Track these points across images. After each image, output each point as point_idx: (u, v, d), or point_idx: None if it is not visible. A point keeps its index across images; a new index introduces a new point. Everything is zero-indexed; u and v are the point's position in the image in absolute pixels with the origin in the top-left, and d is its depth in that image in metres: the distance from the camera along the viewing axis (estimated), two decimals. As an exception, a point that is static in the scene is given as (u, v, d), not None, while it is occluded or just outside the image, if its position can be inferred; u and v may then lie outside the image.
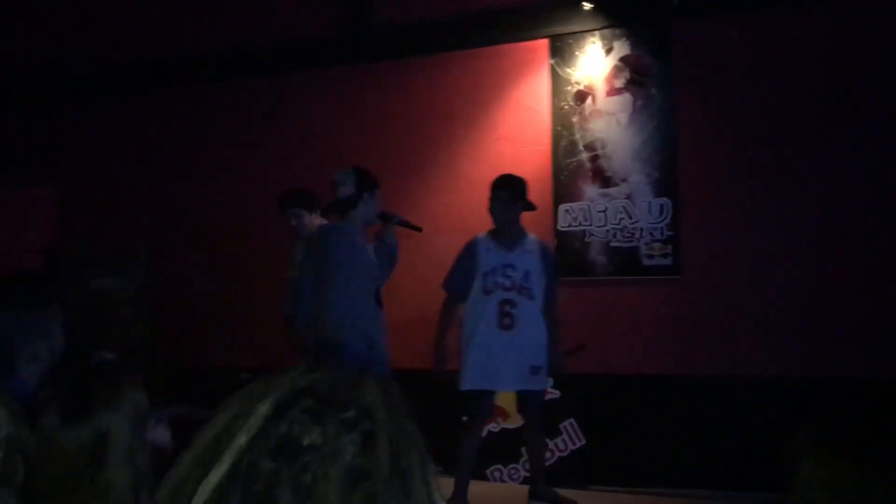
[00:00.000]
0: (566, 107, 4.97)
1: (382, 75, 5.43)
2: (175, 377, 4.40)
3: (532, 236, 4.33)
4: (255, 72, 5.83)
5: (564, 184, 4.96)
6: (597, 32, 4.91)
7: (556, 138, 4.99)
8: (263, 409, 0.69)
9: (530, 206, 4.28)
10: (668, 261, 4.72)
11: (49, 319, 2.08)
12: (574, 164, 4.95)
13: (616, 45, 4.87)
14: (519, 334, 4.15)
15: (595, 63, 4.91)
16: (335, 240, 3.75)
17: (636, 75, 4.83)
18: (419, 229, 4.14)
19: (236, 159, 5.81)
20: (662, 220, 4.75)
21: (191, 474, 0.69)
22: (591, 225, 4.89)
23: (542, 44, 5.03)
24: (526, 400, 4.27)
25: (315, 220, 4.48)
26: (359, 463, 0.68)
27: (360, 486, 0.68)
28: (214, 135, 5.90)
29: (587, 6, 4.80)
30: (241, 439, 0.68)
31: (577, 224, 4.92)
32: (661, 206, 4.76)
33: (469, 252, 4.29)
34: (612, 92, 4.88)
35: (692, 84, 4.72)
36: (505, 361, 4.13)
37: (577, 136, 4.95)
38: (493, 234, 4.27)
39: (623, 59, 4.86)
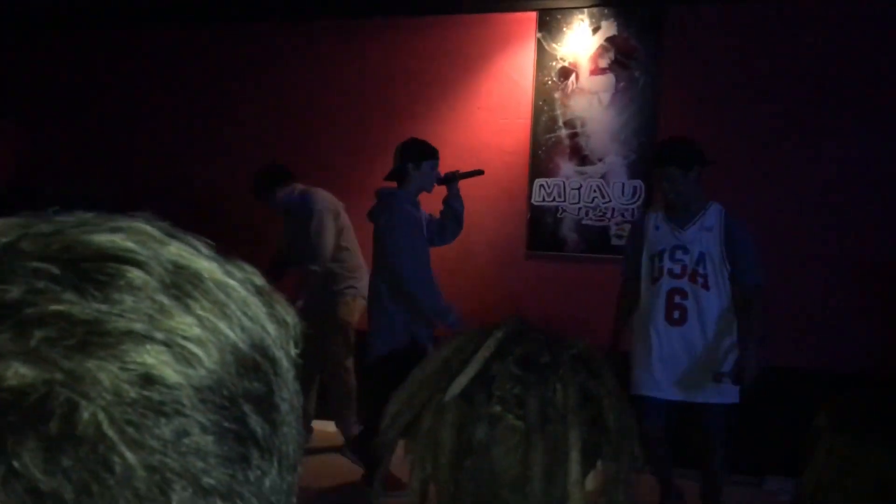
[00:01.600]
0: (549, 82, 5.00)
1: (368, 32, 5.39)
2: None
3: (715, 207, 3.60)
4: (237, 18, 5.73)
5: (541, 158, 5.00)
6: (586, 10, 4.93)
7: (537, 113, 5.02)
8: (499, 334, 0.81)
9: (706, 164, 3.57)
10: (631, 235, 4.79)
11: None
12: (552, 139, 4.99)
13: (604, 24, 4.90)
14: (691, 331, 3.51)
15: (581, 41, 4.93)
16: (379, 210, 4.04)
17: (621, 56, 4.88)
18: (481, 172, 4.14)
19: (213, 106, 5.73)
20: (634, 202, 4.83)
21: (423, 388, 0.80)
22: (564, 201, 4.95)
23: (531, 16, 5.04)
24: (702, 415, 3.54)
25: (286, 189, 4.81)
26: (589, 385, 0.83)
27: (588, 405, 0.81)
28: (191, 78, 5.80)
29: (579, -18, 4.81)
30: (485, 352, 0.79)
31: (550, 199, 4.98)
32: (635, 187, 4.84)
33: (635, 230, 3.87)
34: (596, 71, 4.92)
35: (677, 70, 4.78)
36: (672, 365, 3.51)
37: (558, 112, 4.99)
38: (667, 208, 3.65)
39: (610, 40, 4.89)
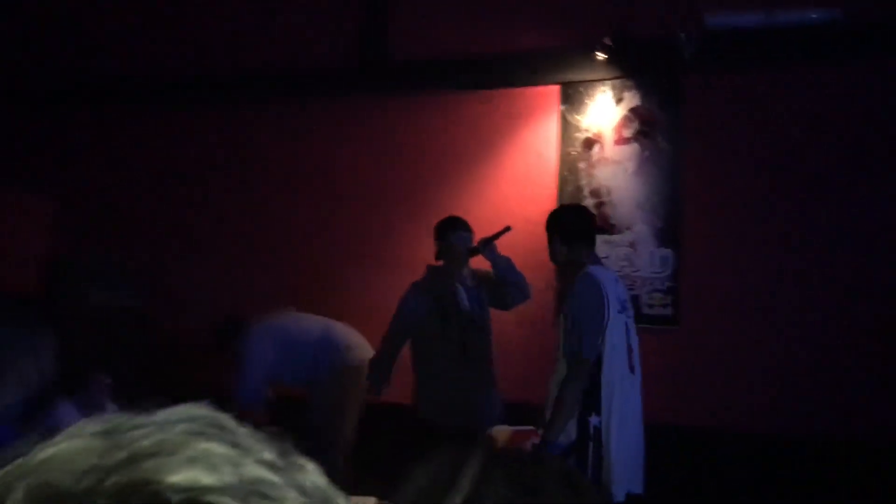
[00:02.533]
0: (574, 153, 5.05)
1: (394, 109, 5.50)
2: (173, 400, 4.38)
3: (580, 274, 3.54)
4: (267, 97, 5.89)
5: (568, 228, 5.00)
6: (608, 82, 4.99)
7: (563, 183, 5.05)
8: (479, 454, 0.79)
9: (571, 237, 3.59)
10: (668, 311, 4.76)
11: (41, 341, 1.97)
12: (579, 209, 5.00)
13: (626, 95, 4.96)
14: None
15: (605, 112, 4.99)
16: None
17: (645, 126, 4.92)
18: (508, 228, 4.14)
19: (245, 180, 5.85)
20: (664, 271, 4.80)
21: None
22: (593, 270, 4.93)
23: (554, 90, 5.12)
24: None
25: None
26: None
27: None
28: (225, 155, 5.93)
29: (600, 57, 4.88)
30: (470, 472, 0.77)
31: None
32: (664, 256, 4.81)
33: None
34: (621, 141, 4.95)
35: (700, 138, 4.80)
36: None
37: (583, 182, 5.01)
38: None
39: (633, 110, 4.94)
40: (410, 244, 5.31)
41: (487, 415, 4.01)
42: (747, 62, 4.75)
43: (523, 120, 5.21)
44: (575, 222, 3.64)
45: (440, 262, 4.22)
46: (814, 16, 4.53)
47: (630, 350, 3.44)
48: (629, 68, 4.93)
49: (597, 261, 3.64)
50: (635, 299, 4.83)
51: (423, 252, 5.20)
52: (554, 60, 5.09)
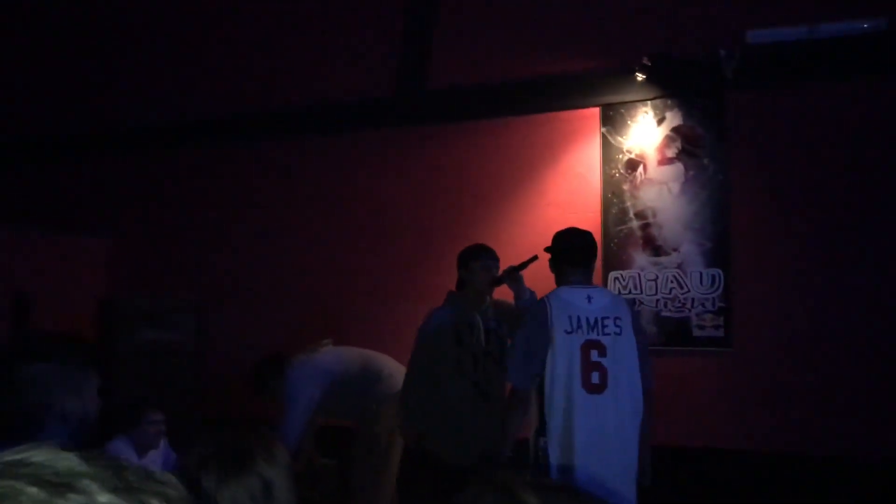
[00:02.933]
0: (617, 174, 5.00)
1: (435, 138, 5.53)
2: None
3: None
4: (310, 130, 5.97)
5: (614, 251, 4.96)
6: (649, 102, 4.95)
7: (607, 205, 5.00)
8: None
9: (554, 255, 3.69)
10: (720, 332, 4.66)
11: (85, 380, 1.97)
12: (624, 231, 4.95)
13: (668, 115, 4.91)
14: None
15: (647, 132, 4.94)
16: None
17: (688, 145, 4.85)
18: (535, 258, 3.97)
19: (288, 216, 5.92)
20: (714, 291, 4.71)
21: None
22: (641, 293, 4.86)
23: (594, 112, 5.09)
24: None
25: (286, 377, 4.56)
26: None
27: None
28: (268, 191, 6.02)
29: (640, 77, 4.85)
30: None
31: (626, 292, 4.90)
32: (713, 276, 4.72)
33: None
34: (664, 161, 4.90)
35: (744, 155, 4.72)
36: None
37: (628, 203, 4.96)
38: None
39: (675, 129, 4.89)
40: (453, 274, 5.30)
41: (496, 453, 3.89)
42: (791, 77, 4.67)
43: (565, 144, 5.18)
44: (563, 244, 3.62)
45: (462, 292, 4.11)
46: (859, 26, 4.44)
47: (594, 370, 3.35)
48: (670, 88, 4.88)
49: (581, 282, 3.53)
50: (685, 321, 4.75)
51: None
52: (594, 83, 5.07)
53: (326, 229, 5.78)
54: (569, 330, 3.35)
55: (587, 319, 3.38)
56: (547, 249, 3.65)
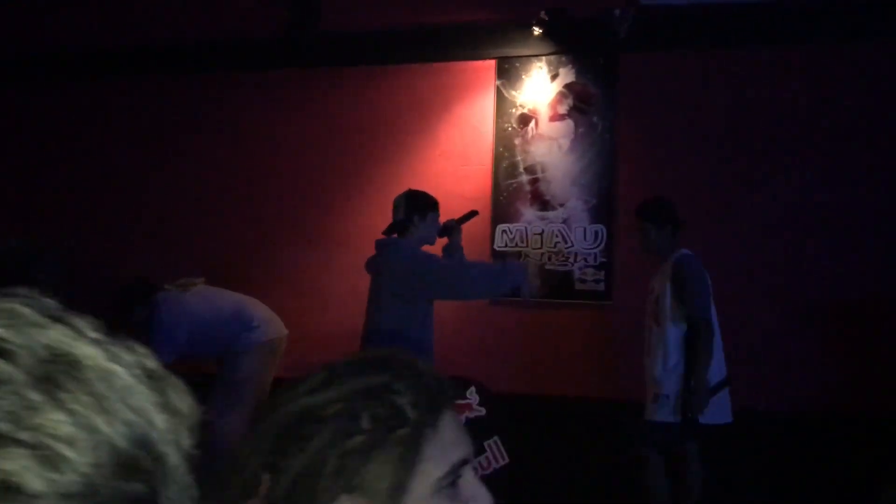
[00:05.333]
0: (509, 128, 5.04)
1: (327, 82, 5.40)
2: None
3: (679, 254, 4.04)
4: (194, 69, 5.73)
5: (503, 204, 5.01)
6: (543, 58, 4.99)
7: (498, 159, 5.04)
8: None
9: (678, 225, 4.06)
10: (601, 286, 4.81)
11: None
12: (514, 185, 5.01)
13: (562, 71, 4.97)
14: (651, 361, 4.04)
15: (540, 88, 4.99)
16: (385, 258, 3.88)
17: (579, 103, 4.93)
18: (475, 213, 4.20)
19: (170, 155, 5.69)
20: (597, 246, 4.84)
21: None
22: (527, 246, 4.95)
23: (490, 64, 5.09)
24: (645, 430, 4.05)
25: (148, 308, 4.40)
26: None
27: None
28: (149, 129, 5.76)
29: (536, 31, 4.87)
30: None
31: (513, 245, 4.98)
32: (597, 232, 4.85)
33: None
34: (556, 117, 4.96)
35: (635, 115, 4.84)
36: (645, 390, 4.07)
37: (519, 158, 5.01)
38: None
39: (568, 86, 4.95)
40: (344, 220, 5.25)
41: None
42: (681, 41, 4.80)
43: (459, 94, 5.17)
44: (675, 214, 4.06)
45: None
46: (745, -4, 4.59)
47: None
48: (565, 44, 4.94)
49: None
50: (568, 275, 4.87)
51: (356, 228, 5.15)
52: (490, 34, 5.07)
53: (207, 171, 5.59)
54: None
55: None
56: (667, 219, 4.02)
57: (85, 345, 0.36)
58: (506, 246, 4.97)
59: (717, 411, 3.90)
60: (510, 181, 5.01)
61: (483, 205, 5.01)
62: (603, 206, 4.84)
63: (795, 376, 4.48)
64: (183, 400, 0.40)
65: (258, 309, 4.55)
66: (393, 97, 5.28)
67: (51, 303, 0.39)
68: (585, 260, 4.85)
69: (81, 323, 0.38)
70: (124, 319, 4.40)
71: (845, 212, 4.49)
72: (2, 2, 6.03)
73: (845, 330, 4.48)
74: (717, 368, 3.93)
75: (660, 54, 4.83)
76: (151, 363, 0.39)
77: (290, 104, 5.46)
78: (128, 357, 0.38)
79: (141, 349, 0.39)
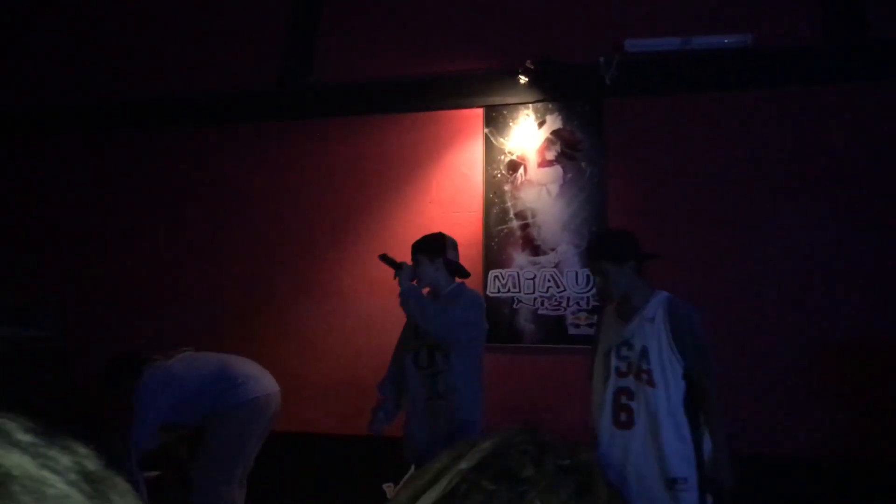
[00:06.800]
0: (499, 175, 5.08)
1: (319, 133, 5.46)
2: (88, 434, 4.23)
3: (660, 296, 3.34)
4: (187, 121, 5.78)
5: (494, 250, 5.04)
6: (530, 105, 5.06)
7: (488, 205, 5.08)
8: (486, 445, 0.72)
9: (645, 257, 3.40)
10: (593, 331, 4.80)
11: None
12: (504, 231, 5.04)
13: (549, 118, 5.03)
14: (637, 435, 3.20)
15: (528, 134, 5.05)
16: None
17: (567, 148, 4.99)
18: (399, 265, 3.80)
19: (160, 210, 5.71)
20: (588, 290, 4.85)
21: None
22: (520, 292, 4.96)
23: (478, 113, 5.16)
24: None
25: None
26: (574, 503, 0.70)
27: None
28: (140, 183, 5.79)
29: (523, 80, 4.94)
30: (463, 465, 0.71)
31: (506, 290, 4.99)
32: (588, 276, 4.87)
33: (596, 325, 3.64)
34: (544, 163, 5.01)
35: (621, 160, 4.89)
36: (628, 471, 3.18)
37: (509, 204, 5.05)
38: (618, 303, 3.41)
39: (555, 133, 5.01)
40: (336, 270, 5.26)
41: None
42: (665, 85, 4.87)
43: (449, 143, 5.23)
44: (640, 248, 3.40)
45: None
46: (727, 41, 4.68)
47: None
48: (551, 92, 5.01)
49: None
50: (561, 319, 4.88)
51: (349, 279, 5.16)
52: (478, 83, 5.14)
53: (201, 225, 5.61)
54: None
55: None
56: (631, 255, 3.35)
57: (16, 452, 0.34)
58: (498, 291, 4.98)
59: None
60: (501, 227, 5.04)
61: (475, 251, 5.04)
62: (594, 250, 4.86)
63: (796, 420, 4.46)
64: (126, 501, 0.38)
65: (244, 366, 4.52)
66: (383, 146, 5.33)
67: None
68: (578, 304, 4.86)
69: (13, 426, 0.36)
70: (111, 393, 4.40)
71: (839, 253, 4.51)
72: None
73: (840, 371, 4.48)
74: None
75: (645, 99, 4.89)
76: (91, 464, 0.37)
77: (282, 155, 5.51)
78: (64, 460, 0.36)
79: (82, 449, 0.37)
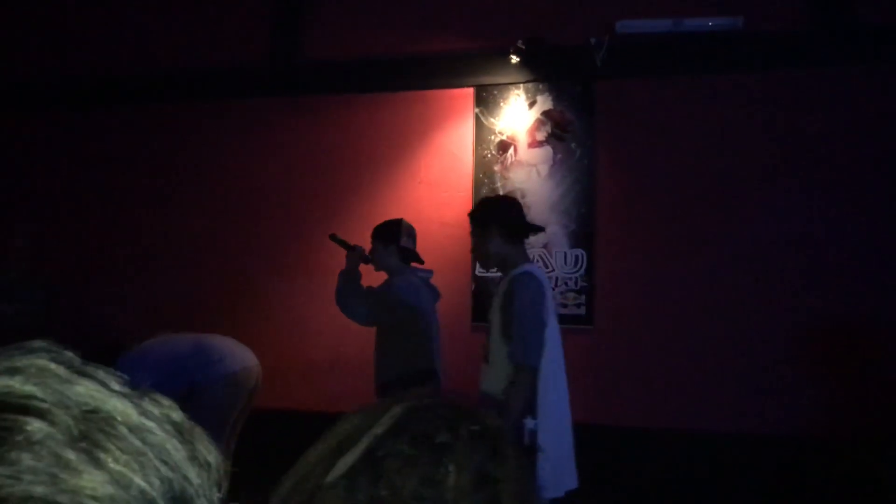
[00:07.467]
0: (489, 155, 5.08)
1: (308, 110, 5.43)
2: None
3: (518, 271, 3.27)
4: (176, 97, 5.74)
5: (483, 230, 5.03)
6: (521, 85, 5.05)
7: (478, 185, 5.08)
8: (398, 409, 0.73)
9: (522, 228, 3.40)
10: (582, 310, 4.83)
11: None
12: (494, 211, 5.03)
13: (539, 98, 5.03)
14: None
15: (518, 115, 5.04)
16: None
17: (557, 129, 4.99)
18: (343, 244, 4.16)
19: (150, 186, 5.68)
20: (577, 271, 4.87)
21: (314, 469, 0.72)
22: (508, 272, 4.96)
23: (468, 92, 5.14)
24: None
25: None
26: (488, 468, 0.73)
27: (485, 488, 0.72)
28: (130, 160, 5.75)
29: (514, 60, 4.94)
30: (378, 430, 0.73)
31: (494, 270, 4.98)
32: (577, 256, 4.89)
33: None
34: (534, 144, 5.01)
35: (611, 141, 4.90)
36: None
37: (498, 184, 5.05)
38: None
39: (545, 113, 5.01)
40: (322, 249, 5.24)
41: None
42: (656, 68, 4.87)
43: (439, 122, 5.21)
44: (517, 215, 3.37)
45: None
46: (717, 23, 4.68)
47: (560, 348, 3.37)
48: (542, 72, 5.00)
49: (528, 259, 3.42)
50: (549, 300, 4.89)
51: (337, 257, 5.15)
52: (469, 63, 5.12)
53: (190, 202, 5.58)
54: (553, 310, 3.28)
55: (554, 300, 3.34)
56: (494, 221, 3.32)
57: (116, 400, 0.36)
58: (487, 272, 4.99)
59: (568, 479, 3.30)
60: (490, 207, 5.04)
61: (464, 231, 5.03)
62: (582, 231, 4.88)
63: (778, 399, 4.51)
64: (211, 452, 0.40)
65: (220, 342, 4.52)
66: (373, 125, 5.31)
67: (74, 356, 0.38)
68: (566, 284, 4.88)
69: (107, 376, 0.37)
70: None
71: (825, 237, 4.55)
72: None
73: (829, 354, 4.52)
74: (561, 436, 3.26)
75: (636, 81, 4.90)
76: (178, 416, 0.39)
77: (270, 132, 5.49)
78: (156, 411, 0.38)
79: (166, 402, 0.39)
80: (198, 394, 4.35)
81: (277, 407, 4.94)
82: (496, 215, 3.35)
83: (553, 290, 4.88)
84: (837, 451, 4.26)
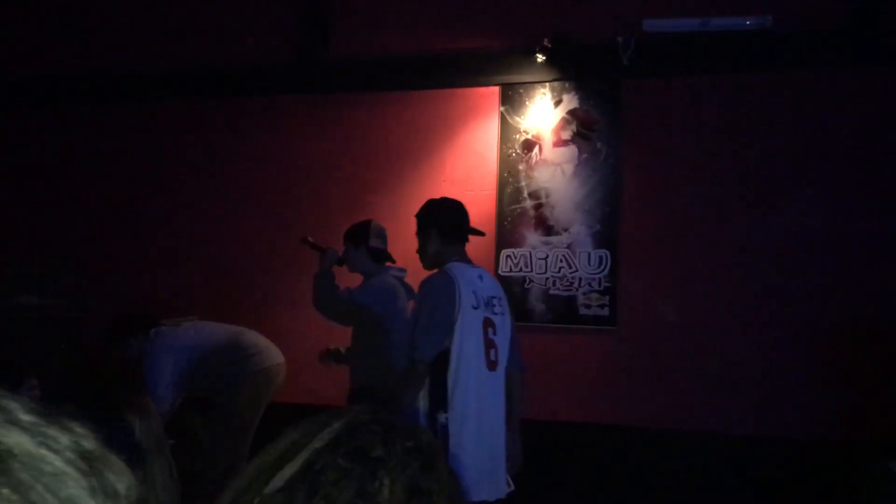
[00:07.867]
0: (513, 154, 5.07)
1: (334, 109, 5.46)
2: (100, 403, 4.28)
3: (440, 270, 3.39)
4: (203, 94, 5.79)
5: (507, 229, 5.04)
6: (547, 84, 5.03)
7: (502, 184, 5.07)
8: (337, 425, 0.79)
9: (455, 232, 3.50)
10: (605, 311, 4.82)
11: None
12: (518, 210, 5.03)
13: (565, 97, 5.00)
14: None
15: (544, 113, 5.03)
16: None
17: (583, 129, 4.97)
18: (316, 248, 4.30)
19: (178, 181, 5.74)
20: (601, 271, 4.85)
21: (254, 482, 0.76)
22: (532, 271, 4.96)
23: (494, 91, 5.13)
24: None
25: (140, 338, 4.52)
26: (421, 482, 0.77)
27: (418, 500, 0.76)
28: (159, 155, 5.82)
29: (540, 58, 4.92)
30: (316, 444, 0.77)
31: (517, 270, 4.99)
32: (601, 257, 4.87)
33: None
34: (559, 143, 5.00)
35: (637, 141, 4.87)
36: None
37: (523, 183, 5.04)
38: None
39: (571, 112, 4.99)
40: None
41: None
42: (684, 67, 4.83)
43: (464, 121, 5.21)
44: (455, 217, 3.51)
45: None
46: (747, 23, 4.63)
47: (491, 347, 3.34)
48: (568, 71, 4.98)
49: (464, 259, 3.48)
50: (572, 300, 4.88)
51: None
52: (494, 61, 5.11)
53: (217, 197, 5.63)
54: (475, 305, 3.29)
55: (484, 297, 3.36)
56: (433, 223, 3.47)
57: (15, 430, 0.35)
58: (510, 271, 4.99)
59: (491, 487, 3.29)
60: (514, 206, 5.04)
61: (488, 230, 5.02)
62: (607, 231, 4.86)
63: (801, 402, 4.47)
64: (121, 480, 0.38)
65: (254, 337, 4.59)
66: (398, 123, 5.32)
67: None
68: (590, 285, 4.86)
69: (15, 405, 0.36)
70: (118, 351, 4.46)
71: (851, 236, 4.49)
72: (13, 26, 6.13)
73: (851, 355, 4.47)
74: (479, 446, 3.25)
75: (663, 80, 4.86)
76: (89, 443, 0.38)
77: (297, 130, 5.52)
78: (63, 439, 0.36)
79: (79, 429, 0.38)
80: (231, 387, 4.41)
81: (298, 402, 4.97)
82: (435, 216, 3.50)
83: (576, 290, 4.87)
84: (860, 455, 4.21)
